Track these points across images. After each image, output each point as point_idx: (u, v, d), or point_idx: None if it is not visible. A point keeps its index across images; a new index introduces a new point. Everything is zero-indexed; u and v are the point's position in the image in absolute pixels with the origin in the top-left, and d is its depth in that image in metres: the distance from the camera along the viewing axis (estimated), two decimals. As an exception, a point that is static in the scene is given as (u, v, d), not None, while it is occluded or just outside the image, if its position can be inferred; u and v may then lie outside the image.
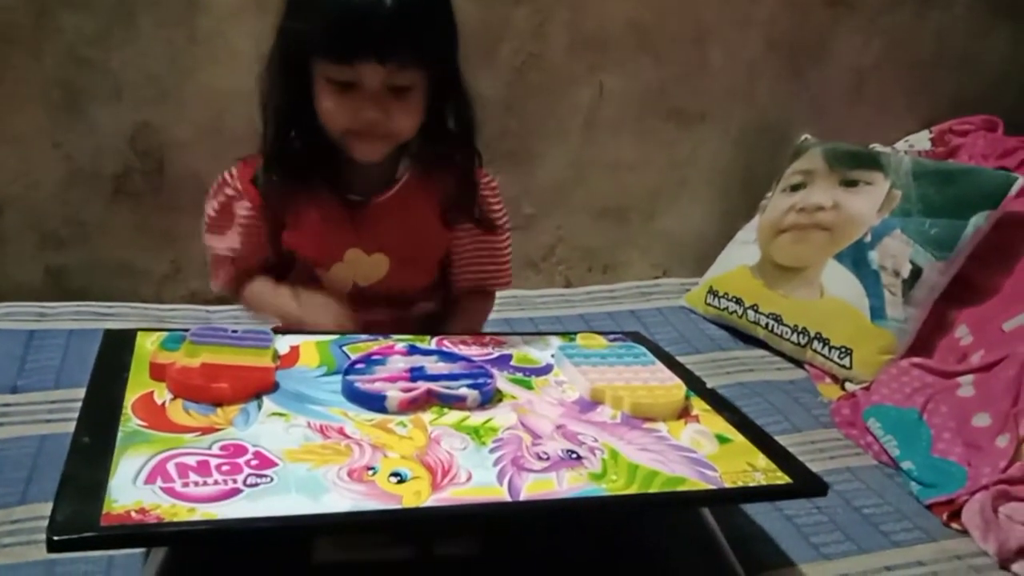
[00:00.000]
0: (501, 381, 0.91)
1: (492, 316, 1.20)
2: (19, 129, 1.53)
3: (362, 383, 0.84)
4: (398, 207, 1.04)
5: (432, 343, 0.98)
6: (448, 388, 0.85)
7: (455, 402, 0.85)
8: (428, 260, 1.10)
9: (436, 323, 1.11)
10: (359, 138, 0.97)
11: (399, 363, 0.90)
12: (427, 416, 0.83)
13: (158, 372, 0.82)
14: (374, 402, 0.82)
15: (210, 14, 1.53)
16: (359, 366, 0.88)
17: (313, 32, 0.92)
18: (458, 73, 0.99)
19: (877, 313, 1.48)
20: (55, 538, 0.60)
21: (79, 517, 0.62)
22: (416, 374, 0.87)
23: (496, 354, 0.99)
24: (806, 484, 0.83)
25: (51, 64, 1.51)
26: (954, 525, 1.14)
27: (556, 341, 1.05)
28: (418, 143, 1.03)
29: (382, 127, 0.96)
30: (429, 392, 0.84)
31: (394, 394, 0.83)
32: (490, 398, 0.87)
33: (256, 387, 0.82)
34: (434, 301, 1.13)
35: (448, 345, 0.99)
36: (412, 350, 0.93)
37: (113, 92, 1.54)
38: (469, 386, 0.86)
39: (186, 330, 0.89)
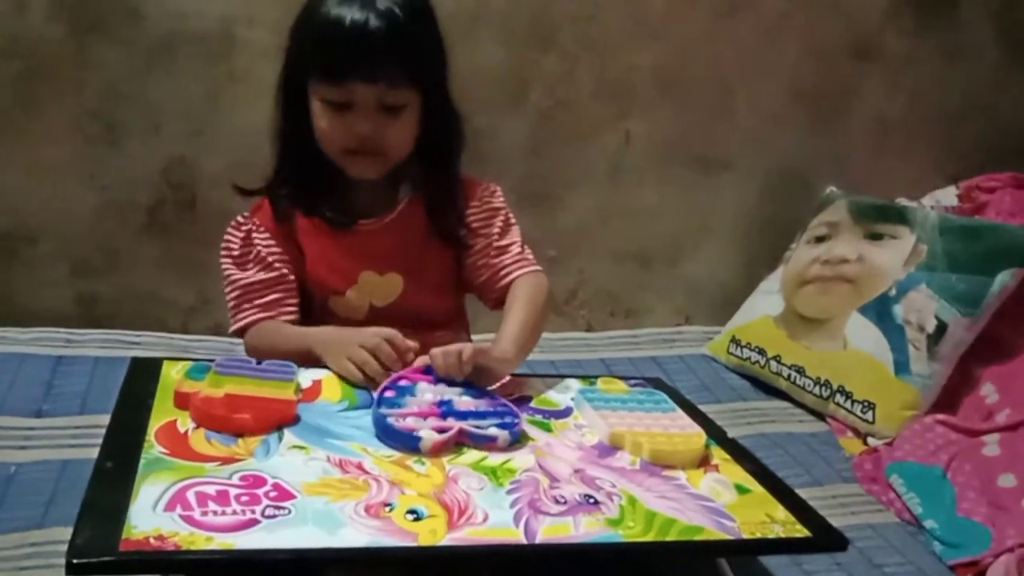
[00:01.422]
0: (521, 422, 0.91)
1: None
2: (56, 159, 1.57)
3: (395, 419, 0.84)
4: (401, 228, 1.07)
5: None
6: (479, 428, 0.86)
7: (486, 442, 0.85)
8: (439, 276, 1.12)
9: None
10: (354, 156, 1.01)
11: (427, 394, 0.90)
12: (445, 455, 0.83)
13: (182, 401, 0.84)
14: (409, 441, 0.83)
15: (245, 52, 1.58)
16: (388, 394, 0.89)
17: (308, 54, 0.98)
18: (447, 93, 1.03)
19: (901, 368, 1.46)
20: (74, 561, 0.60)
21: (98, 541, 0.62)
22: (445, 409, 0.88)
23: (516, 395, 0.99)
24: (825, 538, 0.82)
25: (90, 97, 1.55)
26: (978, 587, 1.12)
27: (576, 384, 1.05)
28: (415, 168, 1.07)
29: (375, 144, 0.99)
30: (461, 431, 0.85)
31: (427, 435, 0.83)
32: (518, 438, 0.87)
33: (278, 419, 0.83)
34: (451, 331, 1.14)
35: None
36: (438, 379, 0.93)
37: (149, 126, 1.58)
38: (498, 426, 0.87)
39: (211, 360, 0.90)
